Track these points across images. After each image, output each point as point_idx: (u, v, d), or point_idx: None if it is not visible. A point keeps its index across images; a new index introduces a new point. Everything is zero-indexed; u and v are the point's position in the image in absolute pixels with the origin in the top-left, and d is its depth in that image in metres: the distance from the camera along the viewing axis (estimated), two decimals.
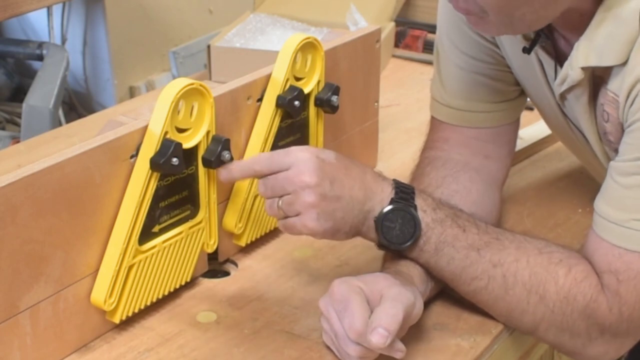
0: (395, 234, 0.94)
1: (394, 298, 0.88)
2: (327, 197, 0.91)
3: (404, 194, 0.95)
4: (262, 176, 0.95)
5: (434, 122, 1.15)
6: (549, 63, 0.99)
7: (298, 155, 0.92)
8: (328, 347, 0.93)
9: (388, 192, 0.94)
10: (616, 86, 0.89)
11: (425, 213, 0.95)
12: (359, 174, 0.94)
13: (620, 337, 0.91)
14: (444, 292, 1.03)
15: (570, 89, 0.95)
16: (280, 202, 0.93)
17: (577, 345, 0.93)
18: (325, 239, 0.95)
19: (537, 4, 0.86)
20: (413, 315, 0.90)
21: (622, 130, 0.90)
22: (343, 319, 0.88)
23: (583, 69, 0.91)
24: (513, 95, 1.12)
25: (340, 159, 0.94)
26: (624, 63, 0.87)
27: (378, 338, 0.84)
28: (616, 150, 0.92)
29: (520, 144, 1.32)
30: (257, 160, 0.95)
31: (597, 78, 0.93)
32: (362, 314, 0.87)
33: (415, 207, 0.94)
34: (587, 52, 0.90)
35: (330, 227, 0.92)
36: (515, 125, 1.14)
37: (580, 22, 0.90)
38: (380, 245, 0.97)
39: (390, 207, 0.94)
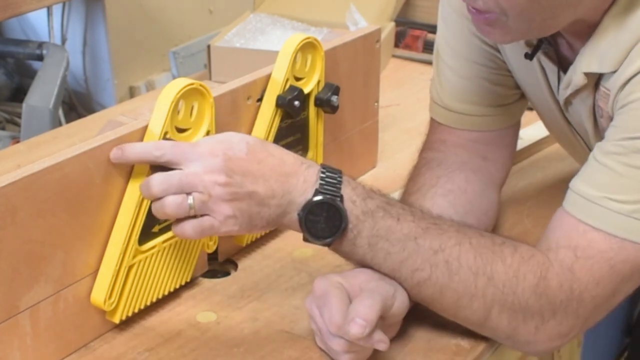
0: (320, 228, 0.88)
1: (371, 290, 0.88)
2: (238, 195, 0.86)
3: (330, 183, 0.88)
4: (159, 164, 0.89)
5: (433, 124, 1.14)
6: (551, 69, 0.99)
7: (204, 150, 0.87)
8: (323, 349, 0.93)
9: (312, 182, 0.88)
10: (610, 83, 0.89)
11: (354, 204, 0.89)
12: (275, 165, 0.88)
13: (570, 318, 0.87)
14: None
15: (576, 93, 0.95)
16: (190, 201, 0.87)
17: (531, 330, 0.88)
18: (241, 234, 0.91)
19: (557, 9, 0.86)
20: (395, 308, 0.89)
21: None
22: (323, 314, 0.88)
23: (586, 74, 0.91)
24: (513, 99, 1.11)
25: (254, 150, 0.88)
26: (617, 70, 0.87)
27: (356, 328, 0.83)
28: None
29: (520, 144, 1.32)
30: (159, 146, 0.89)
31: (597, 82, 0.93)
32: (341, 307, 0.86)
33: (341, 198, 0.88)
34: (590, 59, 0.90)
35: (246, 224, 0.88)
36: (516, 128, 1.14)
37: (587, 30, 0.91)
38: (305, 240, 0.91)
39: (313, 198, 0.88)
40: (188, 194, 0.87)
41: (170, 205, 0.87)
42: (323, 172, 0.89)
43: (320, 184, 0.88)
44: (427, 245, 0.88)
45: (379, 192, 0.92)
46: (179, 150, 0.88)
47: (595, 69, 0.90)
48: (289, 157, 0.90)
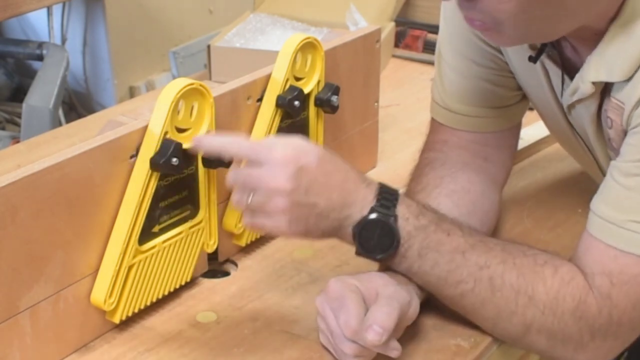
0: (373, 244, 0.91)
1: (389, 296, 0.88)
2: (300, 204, 0.88)
3: (386, 201, 0.91)
4: (231, 159, 0.93)
5: (434, 124, 1.14)
6: (555, 72, 0.99)
7: (276, 156, 0.88)
8: (327, 347, 0.93)
9: (369, 200, 0.91)
10: (623, 95, 0.88)
11: (407, 221, 0.91)
12: (340, 180, 0.90)
13: (609, 341, 0.89)
14: None
15: (581, 100, 0.95)
16: (249, 200, 0.89)
17: (569, 351, 0.90)
18: (296, 238, 0.94)
19: (554, 19, 0.86)
20: (409, 314, 0.90)
21: (625, 137, 0.90)
22: (339, 317, 0.88)
23: (594, 83, 0.91)
24: (514, 101, 1.11)
25: (323, 163, 0.90)
26: (629, 79, 0.87)
27: (373, 335, 0.84)
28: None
29: (520, 144, 1.32)
30: (236, 143, 0.92)
31: (604, 89, 0.93)
32: (358, 311, 0.86)
33: (395, 217, 0.91)
34: (598, 67, 0.90)
35: (302, 231, 0.90)
36: (517, 129, 1.14)
37: (592, 37, 0.90)
38: (358, 254, 0.93)
39: (369, 216, 0.90)
40: (250, 193, 0.89)
41: (233, 198, 0.92)
42: (380, 191, 0.92)
43: (377, 202, 0.91)
44: (473, 260, 0.91)
45: (430, 209, 0.95)
46: (254, 151, 0.90)
47: (603, 78, 0.89)
48: (352, 173, 0.92)
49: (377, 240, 0.91)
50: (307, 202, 0.88)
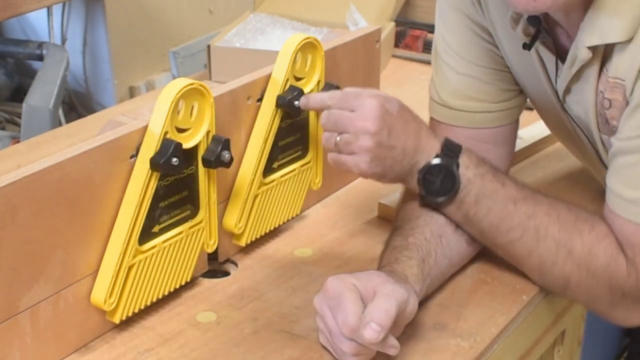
0: (435, 188, 1.00)
1: (387, 294, 0.88)
2: (382, 144, 0.97)
3: (450, 151, 1.00)
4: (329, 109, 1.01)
5: (433, 123, 1.14)
6: (549, 59, 1.00)
7: (366, 101, 0.98)
8: (326, 347, 0.93)
9: (436, 149, 1.00)
10: (620, 70, 0.90)
11: (467, 169, 1.00)
12: (415, 128, 1.00)
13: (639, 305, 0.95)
14: (444, 292, 1.03)
15: (579, 73, 0.95)
16: (338, 138, 0.99)
17: (605, 306, 0.97)
18: (371, 179, 1.01)
19: None
20: (407, 313, 0.90)
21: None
22: (337, 316, 0.88)
23: (590, 48, 0.92)
24: (511, 96, 1.11)
25: (403, 111, 1.00)
26: (629, 41, 0.88)
27: (371, 333, 0.84)
28: None
29: (520, 144, 1.32)
30: (331, 95, 1.02)
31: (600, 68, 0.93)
32: (356, 310, 0.87)
33: (457, 165, 0.99)
34: (591, 31, 0.91)
35: (379, 172, 0.99)
36: (514, 126, 1.14)
37: (582, 4, 0.91)
38: (421, 197, 1.03)
39: (434, 161, 0.99)
40: (340, 133, 0.99)
41: (323, 138, 1.02)
42: (446, 142, 1.01)
43: (442, 151, 1.00)
44: (523, 209, 0.99)
45: (489, 163, 1.03)
46: (344, 99, 1.00)
47: (597, 40, 0.91)
48: (424, 125, 1.02)
49: (439, 184, 1.00)
50: (388, 144, 0.97)
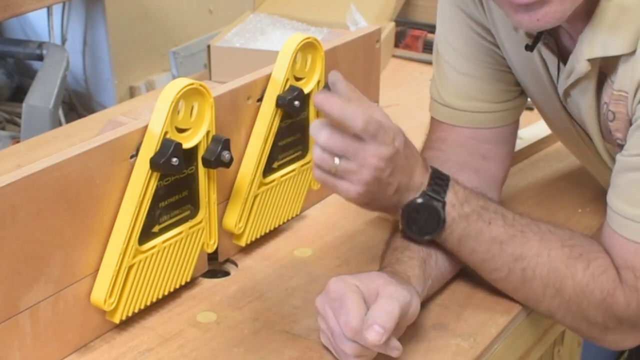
0: (419, 226, 0.97)
1: (390, 296, 0.88)
2: (381, 182, 0.93)
3: (437, 186, 0.96)
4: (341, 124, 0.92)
5: (433, 123, 1.15)
6: (551, 60, 0.99)
7: (384, 137, 0.90)
8: (328, 348, 0.93)
9: (424, 184, 0.96)
10: (624, 83, 0.89)
11: (453, 207, 0.97)
12: (412, 166, 0.96)
13: (639, 328, 0.93)
14: (444, 292, 1.03)
15: (576, 83, 0.95)
16: (337, 161, 0.91)
17: (595, 333, 0.96)
18: (353, 204, 0.96)
19: None
20: (409, 314, 0.90)
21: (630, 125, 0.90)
22: (339, 317, 0.88)
23: (589, 60, 0.91)
24: (512, 96, 1.11)
25: (406, 147, 0.94)
26: (632, 53, 0.87)
27: (374, 335, 0.84)
28: (621, 147, 0.92)
29: (520, 144, 1.32)
30: (354, 115, 0.89)
31: (601, 75, 0.93)
32: (358, 311, 0.87)
33: (443, 204, 0.96)
34: (591, 44, 0.90)
35: (365, 202, 0.95)
36: (515, 126, 1.14)
37: (585, 12, 0.90)
38: (403, 232, 1.00)
39: (419, 200, 0.96)
40: (341, 156, 0.91)
41: (317, 156, 0.92)
42: (433, 175, 0.97)
43: (429, 187, 0.96)
44: (509, 251, 0.96)
45: (478, 195, 0.99)
46: (368, 128, 0.89)
47: (598, 53, 0.90)
48: (420, 158, 0.98)
49: (423, 222, 0.97)
50: (386, 182, 0.93)
